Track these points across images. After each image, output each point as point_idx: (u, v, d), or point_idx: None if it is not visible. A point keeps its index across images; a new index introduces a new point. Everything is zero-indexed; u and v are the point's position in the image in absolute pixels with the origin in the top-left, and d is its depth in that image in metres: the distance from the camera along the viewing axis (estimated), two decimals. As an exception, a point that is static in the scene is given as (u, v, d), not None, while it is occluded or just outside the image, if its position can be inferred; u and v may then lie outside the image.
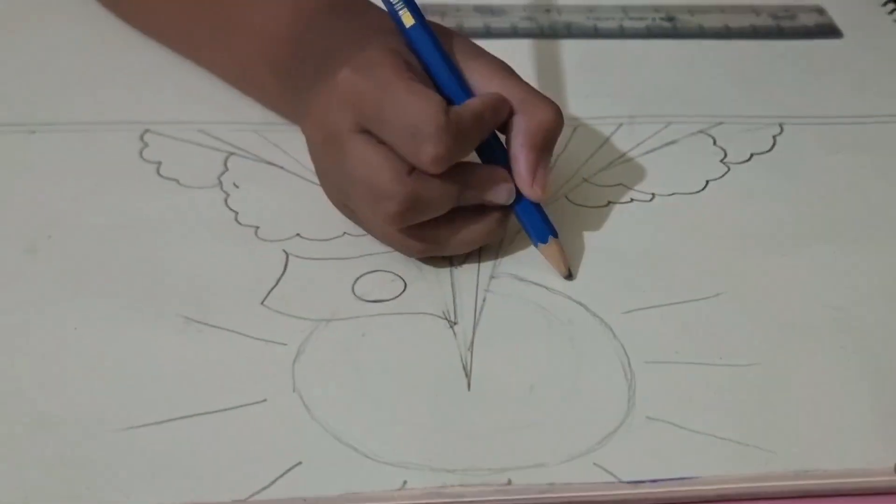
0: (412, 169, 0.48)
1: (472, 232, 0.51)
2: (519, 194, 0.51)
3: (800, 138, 0.62)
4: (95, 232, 0.53)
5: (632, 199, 0.57)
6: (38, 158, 0.59)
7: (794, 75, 0.67)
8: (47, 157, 0.59)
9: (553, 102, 0.51)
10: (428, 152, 0.47)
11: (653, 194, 0.57)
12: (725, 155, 0.60)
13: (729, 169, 0.59)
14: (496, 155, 0.52)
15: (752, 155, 0.60)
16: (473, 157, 0.52)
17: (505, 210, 0.51)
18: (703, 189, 0.58)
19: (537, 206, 0.52)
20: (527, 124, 0.51)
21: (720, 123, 0.63)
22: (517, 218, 0.52)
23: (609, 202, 0.56)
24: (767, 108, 0.64)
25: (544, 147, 0.51)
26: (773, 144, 0.61)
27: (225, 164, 0.58)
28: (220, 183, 0.57)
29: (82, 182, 0.57)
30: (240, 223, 0.54)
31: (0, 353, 0.47)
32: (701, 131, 0.62)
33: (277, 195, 0.56)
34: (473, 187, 0.50)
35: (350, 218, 0.53)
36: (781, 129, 0.62)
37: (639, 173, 0.59)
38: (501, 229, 0.52)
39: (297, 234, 0.53)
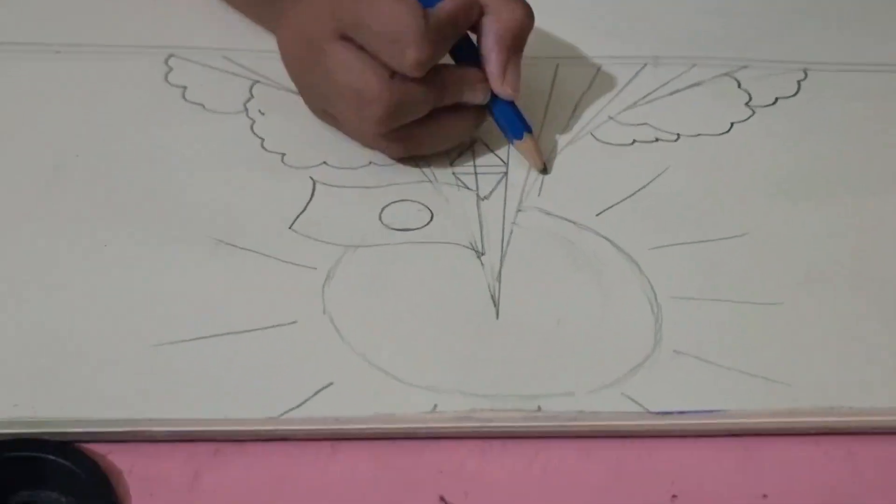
0: (393, 73, 0.49)
1: (450, 130, 0.53)
2: (494, 93, 0.52)
3: (824, 84, 0.61)
4: (123, 153, 0.53)
5: (657, 139, 0.57)
6: (64, 80, 0.59)
7: (819, 21, 0.66)
8: (73, 79, 0.59)
9: (523, 1, 0.52)
10: (410, 57, 0.48)
11: (678, 135, 0.57)
12: (750, 98, 0.60)
13: (754, 112, 0.59)
14: (469, 56, 0.53)
15: (776, 99, 0.60)
16: (447, 59, 0.52)
17: (480, 109, 0.53)
18: (728, 131, 0.58)
19: (511, 103, 0.53)
20: (497, 24, 0.52)
21: (745, 67, 0.62)
22: (492, 117, 0.54)
23: (634, 140, 0.56)
24: (792, 52, 0.63)
25: (514, 46, 0.52)
26: (798, 89, 0.61)
27: (250, 91, 0.58)
28: (246, 109, 0.57)
29: (109, 104, 0.57)
30: (266, 149, 0.54)
31: (33, 269, 0.47)
32: (726, 74, 0.62)
33: (303, 123, 0.56)
34: (451, 88, 0.51)
35: (330, 124, 0.54)
36: (806, 75, 0.62)
37: (664, 114, 0.58)
38: (476, 128, 0.54)
39: (324, 162, 0.53)
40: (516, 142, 0.54)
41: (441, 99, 0.51)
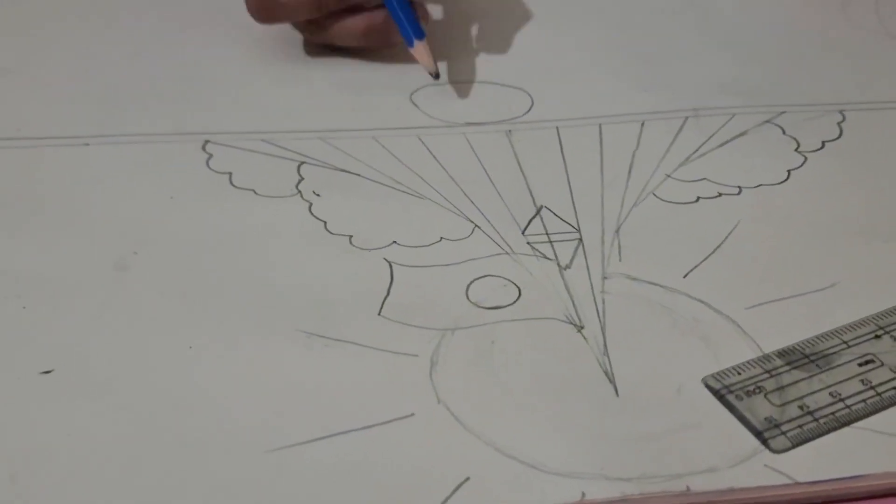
0: None
1: (355, 23, 0.62)
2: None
3: (863, 124, 0.62)
4: (183, 246, 0.51)
5: (720, 194, 0.56)
6: (101, 171, 0.57)
7: (847, 61, 0.66)
8: (110, 170, 0.57)
9: None
10: None
11: (739, 187, 0.56)
12: (798, 144, 0.59)
13: (806, 158, 0.58)
14: None
15: (823, 143, 0.60)
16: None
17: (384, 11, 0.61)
18: (786, 179, 0.57)
19: (408, 11, 0.61)
20: None
21: (783, 112, 0.62)
22: (393, 17, 0.62)
23: (699, 197, 0.55)
24: (825, 95, 0.64)
25: None
26: (841, 132, 0.61)
27: (298, 173, 0.56)
28: (300, 192, 0.55)
29: (154, 195, 0.55)
30: (331, 232, 0.52)
31: (118, 378, 0.44)
32: (767, 121, 0.61)
33: (363, 203, 0.54)
34: None
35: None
36: (843, 116, 0.62)
37: (719, 167, 0.58)
38: (383, 29, 0.63)
39: (394, 242, 0.52)
40: (410, 48, 0.62)
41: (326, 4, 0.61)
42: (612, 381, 0.45)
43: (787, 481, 0.41)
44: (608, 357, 0.46)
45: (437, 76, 0.62)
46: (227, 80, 0.64)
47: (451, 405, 0.43)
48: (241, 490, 0.40)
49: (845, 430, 0.43)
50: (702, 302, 0.49)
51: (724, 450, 0.42)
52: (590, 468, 0.41)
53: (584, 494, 0.40)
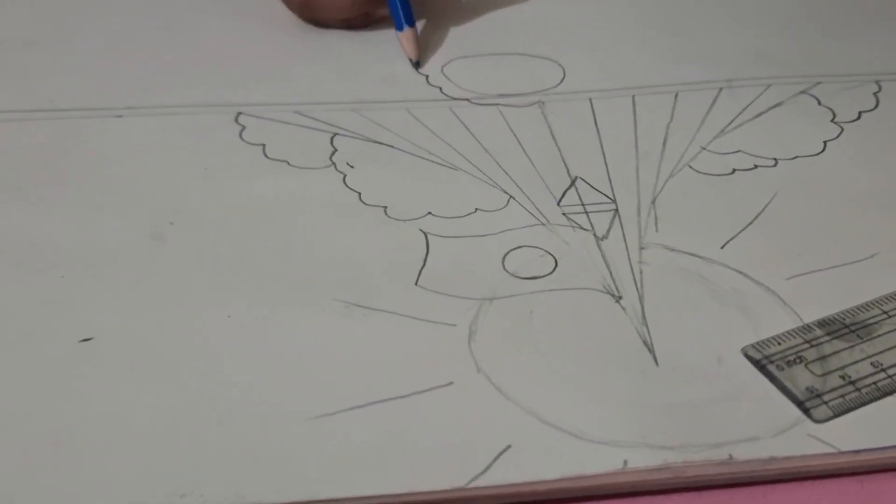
0: None
1: None
2: None
3: (901, 94, 0.60)
4: (219, 216, 0.50)
5: (755, 166, 0.55)
6: (135, 143, 0.57)
7: (882, 32, 0.66)
8: (144, 142, 0.57)
9: None
10: None
11: (775, 159, 0.56)
12: (834, 115, 0.59)
13: (843, 129, 0.58)
14: None
15: (860, 114, 0.59)
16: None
17: None
18: (823, 151, 0.57)
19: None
20: None
21: (818, 83, 0.62)
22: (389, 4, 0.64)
23: (734, 169, 0.55)
24: (861, 65, 0.63)
25: None
26: (877, 102, 0.60)
27: (332, 144, 0.56)
28: (333, 163, 0.54)
29: (189, 166, 0.55)
30: (365, 203, 0.52)
31: (158, 346, 0.44)
32: (802, 92, 0.61)
33: (397, 174, 0.54)
34: None
35: None
36: (880, 87, 0.61)
37: (754, 138, 0.58)
38: (368, 3, 0.65)
39: (429, 213, 0.51)
40: (398, 32, 0.65)
41: None
42: (651, 350, 0.44)
43: (831, 450, 0.40)
44: (647, 327, 0.45)
45: (417, 65, 0.65)
46: (259, 52, 0.64)
47: (490, 374, 0.43)
48: (281, 459, 0.40)
49: (888, 399, 0.42)
50: (741, 273, 0.49)
51: (766, 419, 0.42)
52: (631, 436, 0.41)
53: (626, 462, 0.40)
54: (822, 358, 0.43)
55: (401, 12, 0.64)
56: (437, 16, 0.68)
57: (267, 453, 0.40)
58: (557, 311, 0.46)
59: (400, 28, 0.65)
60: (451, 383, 0.43)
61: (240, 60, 0.63)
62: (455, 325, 0.45)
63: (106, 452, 0.40)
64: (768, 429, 0.41)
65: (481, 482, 0.39)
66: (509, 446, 0.40)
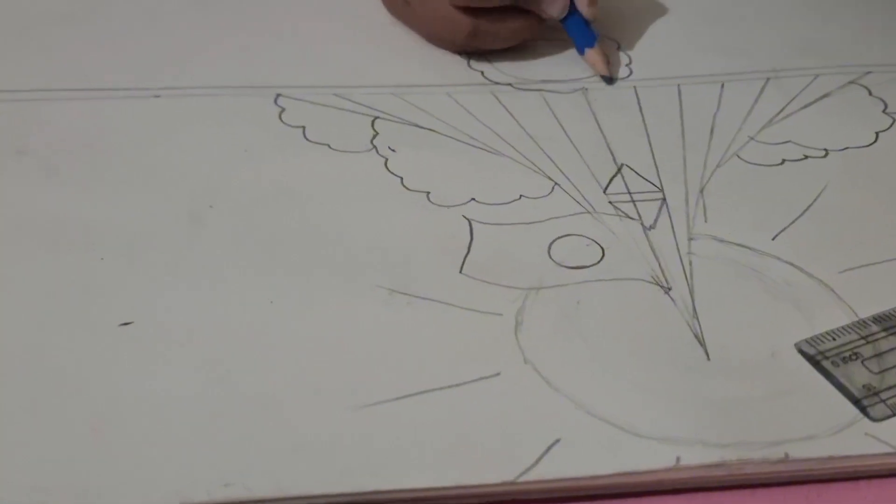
0: None
1: (515, 25, 0.60)
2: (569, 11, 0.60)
3: (954, 85, 0.59)
4: (259, 199, 0.49)
5: (805, 157, 0.54)
6: (173, 124, 0.56)
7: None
8: (182, 123, 0.56)
9: None
10: None
11: (825, 150, 0.54)
12: (886, 106, 0.58)
13: (895, 120, 0.56)
14: None
15: (913, 104, 0.58)
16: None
17: (542, 20, 0.61)
18: (874, 142, 0.55)
19: (582, 21, 0.62)
20: None
21: (868, 73, 0.60)
22: (566, 30, 0.62)
23: (784, 160, 0.54)
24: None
25: None
26: (930, 93, 0.59)
27: (373, 128, 0.54)
28: (375, 147, 0.53)
29: (228, 147, 0.54)
30: (408, 188, 0.51)
31: (198, 332, 0.43)
32: (851, 82, 0.59)
33: (439, 159, 0.53)
34: None
35: (398, 13, 0.63)
36: (932, 77, 0.60)
37: (803, 129, 0.56)
38: (538, 31, 0.62)
39: (473, 199, 0.50)
40: (587, 51, 0.62)
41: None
42: (702, 344, 0.43)
43: (890, 450, 0.39)
44: (698, 320, 0.44)
45: (610, 81, 0.62)
46: (298, 34, 0.63)
47: (538, 365, 0.42)
48: (324, 448, 0.39)
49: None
50: (792, 265, 0.47)
51: (822, 417, 0.41)
52: (685, 433, 0.40)
53: (679, 459, 0.38)
54: (879, 355, 0.42)
55: (581, 33, 0.62)
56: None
57: (312, 443, 0.39)
58: (605, 301, 0.45)
59: (582, 51, 0.62)
60: (498, 374, 0.42)
61: (279, 41, 0.62)
62: (501, 315, 0.44)
63: (146, 440, 0.39)
64: (825, 427, 0.40)
65: (531, 476, 0.38)
66: (558, 440, 0.39)
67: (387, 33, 0.63)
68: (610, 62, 0.62)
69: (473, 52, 0.61)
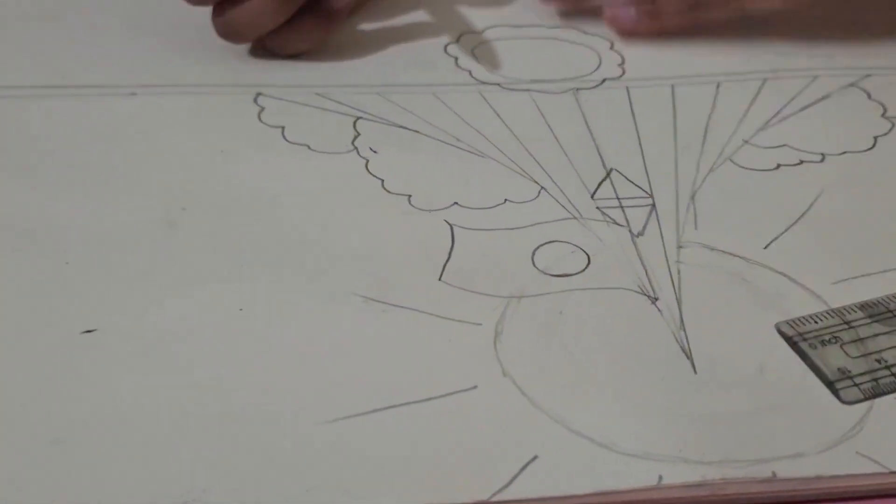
0: None
1: (300, 28, 0.58)
2: None
3: (956, 89, 0.57)
4: (234, 202, 0.48)
5: (801, 161, 0.52)
6: (149, 122, 0.54)
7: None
8: (158, 121, 0.54)
9: None
10: None
11: (822, 154, 0.53)
12: (885, 110, 0.56)
13: (894, 125, 0.55)
14: None
15: (914, 109, 0.56)
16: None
17: (333, 14, 0.58)
18: (873, 147, 0.53)
19: None
20: None
21: (868, 76, 0.58)
22: None
23: (779, 165, 0.52)
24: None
25: None
26: (932, 97, 0.57)
27: (354, 128, 0.53)
28: (356, 148, 0.52)
29: (204, 148, 0.52)
30: (388, 191, 0.49)
31: (165, 340, 0.42)
32: (851, 84, 0.57)
33: (422, 161, 0.52)
34: None
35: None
36: (934, 81, 0.58)
37: (800, 132, 0.55)
38: (327, 33, 0.58)
39: (455, 203, 0.48)
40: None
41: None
42: (689, 357, 0.42)
43: (880, 469, 0.37)
44: (685, 332, 0.43)
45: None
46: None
47: (517, 378, 0.41)
48: (292, 465, 0.38)
49: (943, 417, 0.39)
50: (785, 275, 0.46)
51: (812, 434, 0.39)
52: (667, 450, 0.38)
53: (661, 478, 0.37)
54: (860, 340, 0.41)
55: None
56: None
57: (277, 459, 0.38)
58: (590, 311, 0.44)
59: None
60: (474, 387, 0.40)
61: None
62: (480, 325, 0.43)
63: (107, 452, 0.38)
64: (814, 444, 0.39)
65: (505, 495, 0.37)
66: (536, 457, 0.38)
67: (368, 30, 0.61)
68: None
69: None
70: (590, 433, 0.39)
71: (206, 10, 0.58)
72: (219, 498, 0.36)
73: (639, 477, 0.37)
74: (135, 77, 0.57)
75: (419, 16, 0.64)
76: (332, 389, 0.40)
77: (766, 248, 0.47)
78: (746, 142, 0.54)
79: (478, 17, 0.63)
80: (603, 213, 0.49)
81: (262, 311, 0.43)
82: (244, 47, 0.58)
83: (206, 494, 0.36)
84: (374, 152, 0.52)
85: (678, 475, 0.37)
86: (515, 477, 0.37)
